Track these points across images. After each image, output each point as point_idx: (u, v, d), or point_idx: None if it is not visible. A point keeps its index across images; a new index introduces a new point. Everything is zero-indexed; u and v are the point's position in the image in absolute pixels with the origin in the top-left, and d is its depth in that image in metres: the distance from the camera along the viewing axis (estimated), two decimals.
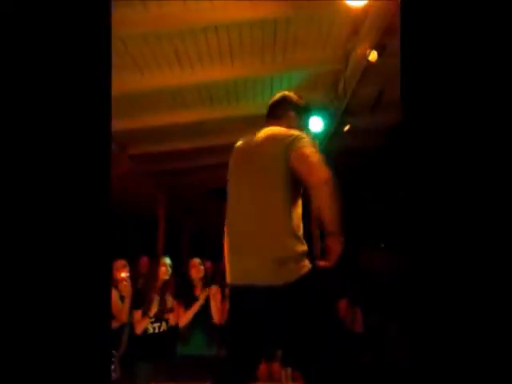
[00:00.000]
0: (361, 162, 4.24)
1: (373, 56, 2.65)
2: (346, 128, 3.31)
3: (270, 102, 1.59)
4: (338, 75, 3.13)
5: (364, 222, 4.28)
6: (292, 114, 1.52)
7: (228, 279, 1.34)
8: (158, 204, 5.32)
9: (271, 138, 1.37)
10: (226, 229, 1.41)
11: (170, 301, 2.70)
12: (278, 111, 1.53)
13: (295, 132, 1.36)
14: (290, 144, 1.30)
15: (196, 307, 2.62)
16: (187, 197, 5.75)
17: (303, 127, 1.54)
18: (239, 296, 1.31)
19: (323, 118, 3.22)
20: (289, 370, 2.56)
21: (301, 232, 1.29)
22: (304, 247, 1.27)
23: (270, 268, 1.21)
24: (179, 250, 6.39)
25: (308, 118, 1.63)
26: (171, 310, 2.66)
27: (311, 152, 1.27)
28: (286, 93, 1.59)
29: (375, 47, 2.64)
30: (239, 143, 1.50)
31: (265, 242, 1.25)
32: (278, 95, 1.59)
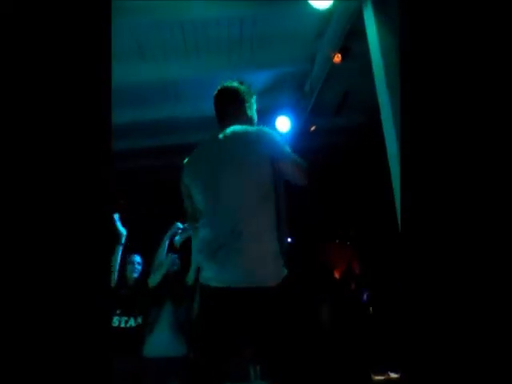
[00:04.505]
0: (326, 160, 4.34)
1: (337, 58, 2.71)
2: (313, 128, 3.36)
3: (219, 99, 1.46)
4: (305, 75, 3.17)
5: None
6: (247, 106, 1.45)
7: (206, 281, 1.25)
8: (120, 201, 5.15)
9: (245, 140, 1.32)
10: (199, 229, 1.33)
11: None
12: (235, 111, 1.43)
13: (266, 130, 1.35)
14: (271, 146, 1.30)
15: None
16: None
17: (255, 110, 1.49)
18: (225, 299, 1.21)
19: (290, 117, 3.24)
20: (257, 368, 2.55)
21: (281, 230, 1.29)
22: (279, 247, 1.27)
23: (263, 270, 1.21)
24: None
25: (254, 98, 1.51)
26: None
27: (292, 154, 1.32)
28: (235, 86, 1.46)
29: (339, 50, 2.70)
30: (196, 153, 1.41)
31: (254, 243, 1.22)
32: (224, 91, 1.46)
